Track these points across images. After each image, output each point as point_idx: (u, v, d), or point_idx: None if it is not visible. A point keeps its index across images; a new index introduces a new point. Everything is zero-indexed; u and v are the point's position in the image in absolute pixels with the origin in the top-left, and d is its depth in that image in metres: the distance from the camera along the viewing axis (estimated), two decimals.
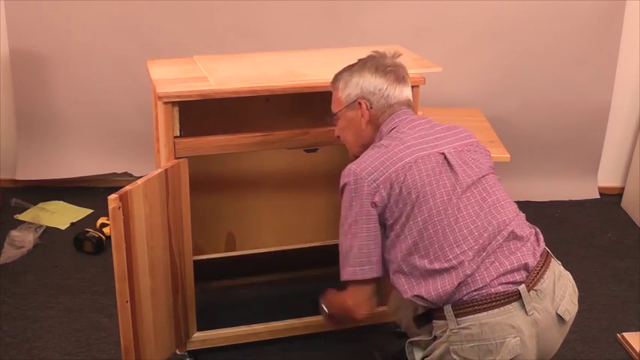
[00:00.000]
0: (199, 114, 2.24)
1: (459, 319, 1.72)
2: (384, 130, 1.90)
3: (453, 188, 1.78)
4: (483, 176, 1.84)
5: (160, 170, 2.10)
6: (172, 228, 2.18)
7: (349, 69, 1.96)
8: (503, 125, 3.32)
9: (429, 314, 1.82)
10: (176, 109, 2.12)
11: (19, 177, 3.59)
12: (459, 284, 1.71)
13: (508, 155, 2.86)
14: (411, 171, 1.77)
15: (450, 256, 1.73)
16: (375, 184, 1.77)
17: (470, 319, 1.71)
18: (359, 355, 2.47)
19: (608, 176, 3.81)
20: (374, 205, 1.78)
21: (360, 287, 1.84)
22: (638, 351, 2.53)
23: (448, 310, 1.73)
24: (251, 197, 2.68)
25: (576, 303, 1.84)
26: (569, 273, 1.86)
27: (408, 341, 1.88)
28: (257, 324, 2.44)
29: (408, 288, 1.79)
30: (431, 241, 1.75)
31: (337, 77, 1.98)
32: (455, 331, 1.72)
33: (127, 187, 1.96)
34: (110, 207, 1.90)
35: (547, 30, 3.44)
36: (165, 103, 2.10)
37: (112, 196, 1.90)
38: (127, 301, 2.02)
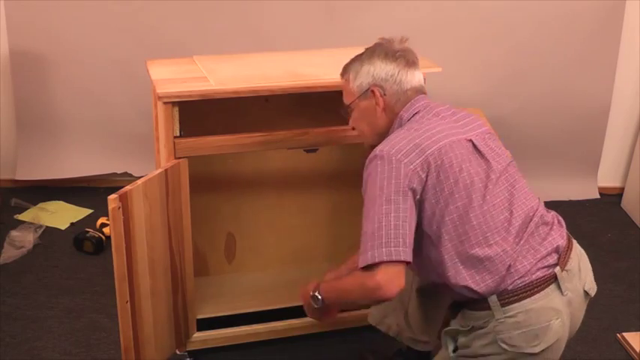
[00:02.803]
0: (199, 114, 2.24)
1: (504, 308, 1.73)
2: (405, 115, 1.85)
3: (487, 175, 1.77)
4: (508, 164, 1.85)
5: (159, 170, 2.10)
6: (172, 228, 2.18)
7: (358, 58, 1.92)
8: (503, 125, 3.32)
9: (462, 303, 1.82)
10: (176, 109, 2.12)
11: (19, 177, 3.59)
12: (504, 275, 1.73)
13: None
14: (448, 155, 1.73)
15: (492, 242, 1.73)
16: (412, 167, 1.70)
17: (516, 307, 1.72)
18: (359, 355, 2.46)
19: (608, 176, 3.81)
20: (412, 189, 1.69)
21: (393, 265, 1.66)
22: (638, 351, 2.53)
23: (494, 300, 1.73)
24: (251, 197, 2.67)
25: (593, 279, 1.89)
26: (583, 251, 1.90)
27: (444, 330, 1.87)
28: (257, 324, 2.44)
29: (452, 275, 1.75)
30: (471, 226, 1.73)
31: (347, 68, 1.94)
32: (501, 320, 1.73)
33: (127, 187, 1.96)
34: (110, 207, 1.90)
35: (547, 30, 3.44)
36: (165, 103, 2.10)
37: (112, 196, 1.90)
38: (127, 301, 2.02)
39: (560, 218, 1.91)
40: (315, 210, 2.76)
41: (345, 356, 2.50)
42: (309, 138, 2.28)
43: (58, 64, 3.42)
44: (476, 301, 1.77)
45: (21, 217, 3.35)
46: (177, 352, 2.36)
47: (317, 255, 2.77)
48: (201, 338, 2.40)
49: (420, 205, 1.73)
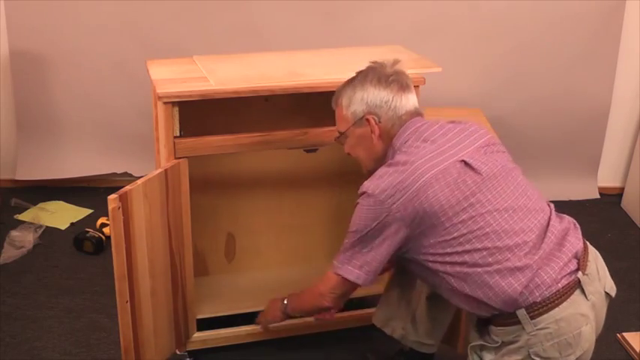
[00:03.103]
0: (199, 114, 2.24)
1: (534, 320, 1.70)
2: (397, 144, 1.83)
3: (483, 192, 1.74)
4: (509, 172, 1.81)
5: (159, 170, 2.10)
6: (172, 228, 2.18)
7: (350, 84, 1.88)
8: (503, 125, 3.32)
9: (489, 319, 1.80)
10: (176, 109, 2.12)
11: (19, 177, 3.59)
12: (524, 288, 1.70)
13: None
14: (432, 188, 1.71)
15: (502, 259, 1.70)
16: (395, 207, 1.72)
17: (546, 319, 1.70)
18: (360, 355, 2.46)
19: (608, 176, 3.81)
20: (393, 226, 1.74)
21: (349, 285, 1.87)
22: (638, 351, 2.53)
23: (522, 314, 1.71)
24: (251, 197, 2.67)
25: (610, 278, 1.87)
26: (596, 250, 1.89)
27: (469, 346, 1.85)
28: (257, 324, 2.44)
29: (462, 295, 1.77)
30: (479, 250, 1.72)
31: (338, 94, 1.91)
32: (533, 333, 1.71)
33: (127, 187, 1.96)
34: (110, 207, 1.90)
35: (547, 30, 3.44)
36: (165, 103, 2.10)
37: (112, 196, 1.90)
38: (127, 301, 2.02)
39: (575, 222, 1.88)
40: (315, 210, 2.76)
41: (346, 356, 2.50)
42: (309, 138, 2.28)
43: (58, 65, 3.42)
44: (503, 316, 1.75)
45: (21, 217, 3.35)
46: (177, 352, 2.36)
47: (317, 255, 2.77)
48: (201, 338, 2.40)
49: (411, 240, 1.77)
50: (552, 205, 1.87)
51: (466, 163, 1.75)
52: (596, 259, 1.82)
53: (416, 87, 2.25)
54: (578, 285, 1.73)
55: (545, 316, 1.70)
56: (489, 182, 1.75)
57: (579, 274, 1.73)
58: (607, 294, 1.81)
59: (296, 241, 2.77)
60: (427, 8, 3.38)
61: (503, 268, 1.70)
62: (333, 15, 3.36)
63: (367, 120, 1.85)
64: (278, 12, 3.35)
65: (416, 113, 1.88)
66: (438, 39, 3.38)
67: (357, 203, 1.80)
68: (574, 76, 3.53)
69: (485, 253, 1.71)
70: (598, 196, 3.77)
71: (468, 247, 1.72)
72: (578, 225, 1.87)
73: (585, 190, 3.77)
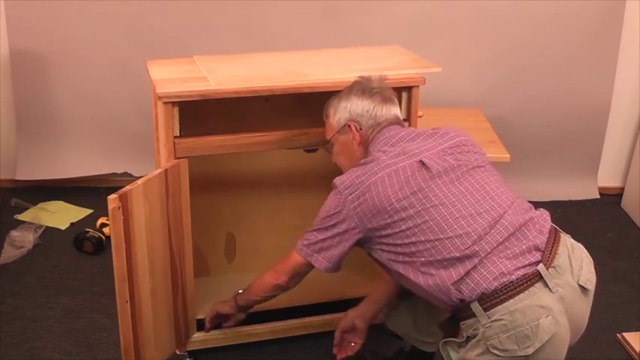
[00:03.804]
0: (199, 114, 2.24)
1: (488, 312, 1.72)
2: (371, 149, 1.96)
3: (428, 185, 1.81)
4: (468, 171, 1.86)
5: (159, 170, 2.10)
6: (172, 228, 2.18)
7: (337, 96, 2.03)
8: (503, 125, 3.32)
9: (454, 317, 1.83)
10: (176, 109, 2.12)
11: (19, 177, 3.59)
12: (463, 277, 1.74)
13: (508, 155, 2.86)
14: (383, 184, 1.82)
15: (443, 251, 1.76)
16: (350, 197, 1.85)
17: (499, 310, 1.71)
18: (360, 355, 2.46)
19: (608, 176, 3.81)
20: (348, 220, 1.87)
21: (307, 267, 2.01)
22: (638, 351, 2.53)
23: (476, 306, 1.73)
24: (251, 197, 2.67)
25: (594, 271, 1.86)
26: (580, 244, 1.88)
27: (441, 342, 1.87)
28: (257, 324, 2.44)
29: (413, 285, 1.85)
30: (424, 242, 1.79)
31: (327, 105, 2.06)
32: (488, 325, 1.72)
33: (127, 187, 1.96)
34: (110, 207, 1.90)
35: (547, 30, 3.44)
36: (165, 103, 2.10)
37: (112, 196, 1.90)
38: (127, 301, 2.02)
39: (545, 212, 1.89)
40: (315, 210, 2.73)
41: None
42: (309, 138, 2.28)
43: (58, 64, 3.42)
44: (461, 310, 1.78)
45: (21, 217, 3.35)
46: (177, 352, 2.36)
47: None
48: (201, 338, 2.40)
49: (364, 233, 1.87)
50: (520, 200, 1.88)
51: (422, 163, 1.84)
52: (571, 252, 1.81)
53: (416, 87, 2.26)
54: (539, 277, 1.73)
55: (498, 307, 1.71)
56: (439, 179, 1.82)
57: (540, 267, 1.73)
58: (582, 287, 1.79)
59: (296, 241, 2.76)
60: (427, 8, 3.38)
61: (442, 258, 1.76)
62: (333, 15, 3.36)
63: (349, 126, 2.00)
64: (278, 12, 3.35)
65: (395, 122, 2.01)
66: (437, 39, 3.38)
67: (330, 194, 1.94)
68: (574, 75, 3.53)
69: (428, 245, 1.78)
70: (598, 196, 3.76)
71: (413, 239, 1.79)
72: (548, 217, 1.87)
73: (585, 190, 3.77)
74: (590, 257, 1.88)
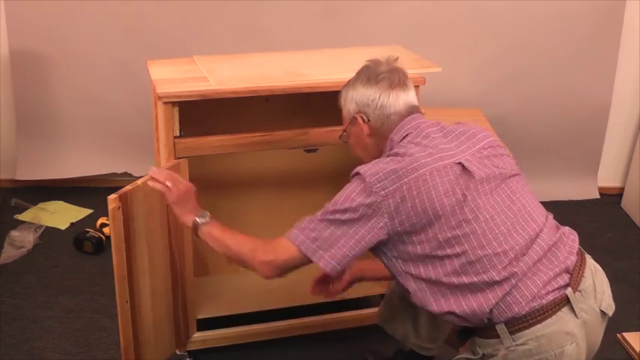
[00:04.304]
0: (199, 114, 2.24)
1: (513, 335, 1.65)
2: (395, 138, 1.80)
3: (471, 193, 1.68)
4: (505, 180, 1.75)
5: None
6: (172, 228, 2.18)
7: (346, 84, 1.90)
8: (503, 125, 3.32)
9: (470, 330, 1.77)
10: (176, 109, 2.12)
11: (19, 177, 3.59)
12: (499, 301, 1.65)
13: None
14: (427, 184, 1.66)
15: (480, 270, 1.65)
16: (382, 193, 1.66)
17: (526, 335, 1.65)
18: (360, 356, 2.46)
19: (608, 176, 3.81)
20: (375, 214, 1.67)
21: (298, 260, 1.74)
22: (638, 351, 2.53)
23: (502, 328, 1.66)
24: (251, 197, 2.67)
25: (611, 295, 1.79)
26: (599, 266, 1.81)
27: (454, 359, 1.81)
28: (257, 324, 2.44)
29: (434, 302, 1.71)
30: (459, 256, 1.66)
31: (339, 95, 1.92)
32: (512, 349, 1.66)
33: (127, 187, 1.96)
34: (110, 207, 1.90)
35: (547, 30, 3.44)
36: (165, 103, 2.10)
37: (112, 196, 1.90)
38: (127, 301, 2.02)
39: (573, 232, 1.82)
40: (315, 210, 2.74)
41: (345, 356, 2.50)
42: (309, 138, 2.28)
43: (58, 64, 3.42)
44: (485, 329, 1.70)
45: (21, 217, 3.35)
46: (177, 352, 2.36)
47: None
48: (201, 338, 2.40)
49: (392, 230, 1.68)
50: (550, 216, 1.81)
51: (463, 166, 1.71)
52: (594, 275, 1.75)
53: (416, 87, 2.25)
54: (566, 301, 1.67)
55: (525, 332, 1.65)
56: (481, 187, 1.70)
57: (568, 291, 1.67)
58: (603, 312, 1.74)
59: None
60: (427, 8, 3.38)
61: (480, 280, 1.65)
62: (333, 15, 3.36)
63: (355, 119, 1.86)
64: (278, 12, 3.35)
65: (410, 111, 1.84)
66: (437, 39, 3.38)
67: (349, 183, 1.75)
68: (574, 75, 3.53)
69: (464, 260, 1.66)
70: (598, 196, 3.77)
71: (448, 251, 1.66)
72: (575, 236, 1.80)
73: (585, 190, 3.77)
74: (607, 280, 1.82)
